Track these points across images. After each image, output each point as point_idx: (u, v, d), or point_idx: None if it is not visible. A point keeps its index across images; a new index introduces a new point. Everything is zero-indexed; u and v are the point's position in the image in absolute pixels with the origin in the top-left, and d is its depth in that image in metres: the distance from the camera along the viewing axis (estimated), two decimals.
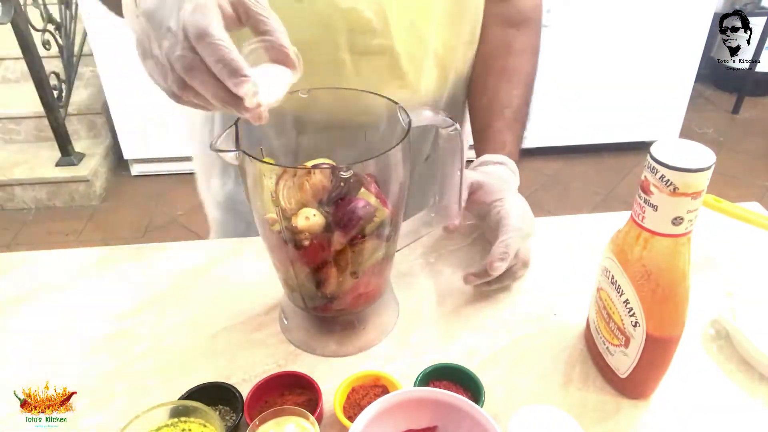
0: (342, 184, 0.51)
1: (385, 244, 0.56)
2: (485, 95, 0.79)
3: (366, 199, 0.52)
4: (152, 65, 0.43)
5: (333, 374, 0.57)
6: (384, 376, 0.54)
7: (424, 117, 0.56)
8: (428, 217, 0.65)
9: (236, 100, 0.41)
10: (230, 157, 0.49)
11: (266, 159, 0.53)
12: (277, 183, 0.50)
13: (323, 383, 0.55)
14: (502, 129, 0.75)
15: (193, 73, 0.41)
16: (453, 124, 0.56)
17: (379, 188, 0.53)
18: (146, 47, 0.43)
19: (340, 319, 0.60)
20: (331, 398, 0.52)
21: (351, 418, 0.49)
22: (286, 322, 0.62)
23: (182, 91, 0.43)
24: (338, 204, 0.51)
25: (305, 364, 0.58)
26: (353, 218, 0.51)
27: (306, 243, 0.52)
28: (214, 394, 0.53)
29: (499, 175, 0.69)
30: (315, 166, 0.55)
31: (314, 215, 0.50)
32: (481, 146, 0.77)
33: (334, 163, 0.56)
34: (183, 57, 0.40)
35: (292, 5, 0.62)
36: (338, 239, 0.52)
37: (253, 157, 0.49)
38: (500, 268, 0.62)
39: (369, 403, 0.46)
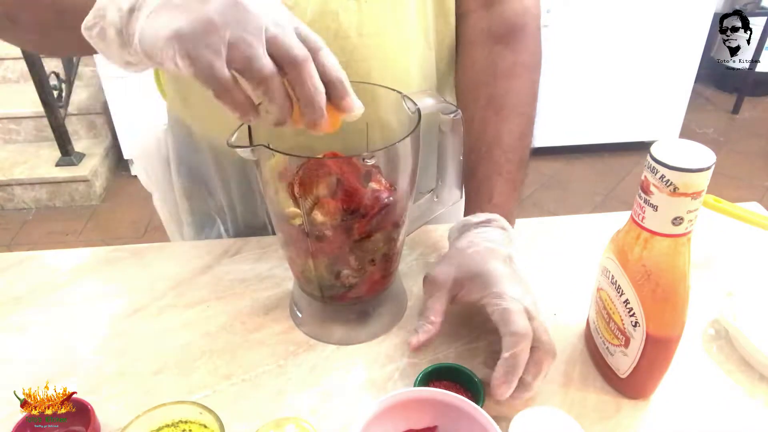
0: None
1: (399, 230, 0.56)
2: (471, 133, 0.65)
3: (379, 188, 0.52)
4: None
5: (342, 360, 0.57)
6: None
7: (427, 104, 0.55)
8: (432, 202, 0.66)
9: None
10: (247, 152, 0.49)
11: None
12: (296, 175, 0.50)
13: (332, 375, 0.54)
14: (490, 175, 0.63)
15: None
16: (455, 110, 0.57)
17: (389, 177, 0.54)
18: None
19: (353, 308, 0.61)
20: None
21: None
22: (300, 315, 0.62)
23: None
24: (357, 194, 0.51)
25: (308, 359, 0.58)
26: (374, 207, 0.51)
27: (327, 233, 0.52)
28: None
29: (481, 253, 0.56)
30: (334, 156, 0.55)
31: (334, 206, 0.51)
32: (466, 198, 0.65)
33: (343, 155, 0.56)
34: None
35: None
36: (358, 229, 0.52)
37: (275, 150, 0.49)
38: (506, 393, 0.50)
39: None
